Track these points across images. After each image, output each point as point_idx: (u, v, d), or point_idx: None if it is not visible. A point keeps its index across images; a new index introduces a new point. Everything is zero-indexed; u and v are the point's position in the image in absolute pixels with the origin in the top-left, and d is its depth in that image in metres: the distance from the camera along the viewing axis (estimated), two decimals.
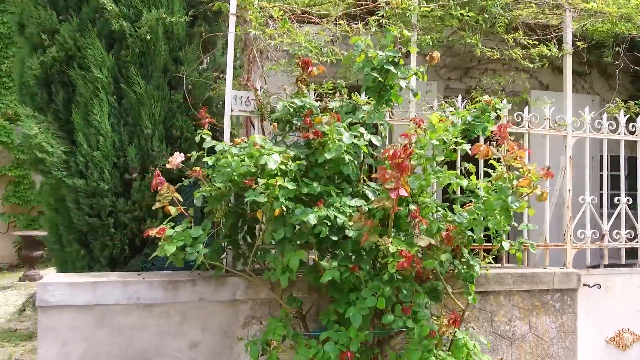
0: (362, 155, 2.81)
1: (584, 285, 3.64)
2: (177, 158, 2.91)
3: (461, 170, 2.94)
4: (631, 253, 4.07)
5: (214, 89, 3.68)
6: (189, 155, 2.91)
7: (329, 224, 2.42)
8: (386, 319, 2.45)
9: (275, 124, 2.99)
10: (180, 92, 3.52)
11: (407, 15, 3.28)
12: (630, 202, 3.87)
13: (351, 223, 2.51)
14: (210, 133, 2.81)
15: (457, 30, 3.50)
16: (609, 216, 3.82)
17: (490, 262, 3.10)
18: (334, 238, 2.52)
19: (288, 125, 2.88)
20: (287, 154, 2.52)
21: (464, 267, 2.75)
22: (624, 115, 3.86)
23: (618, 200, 3.85)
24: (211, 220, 2.80)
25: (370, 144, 2.71)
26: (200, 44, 3.71)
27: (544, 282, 3.50)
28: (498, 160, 2.55)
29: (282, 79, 3.41)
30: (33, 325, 6.13)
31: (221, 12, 3.76)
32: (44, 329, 2.75)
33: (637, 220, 3.91)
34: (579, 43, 3.77)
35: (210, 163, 2.70)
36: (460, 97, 3.42)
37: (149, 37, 3.30)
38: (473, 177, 2.69)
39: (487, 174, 2.76)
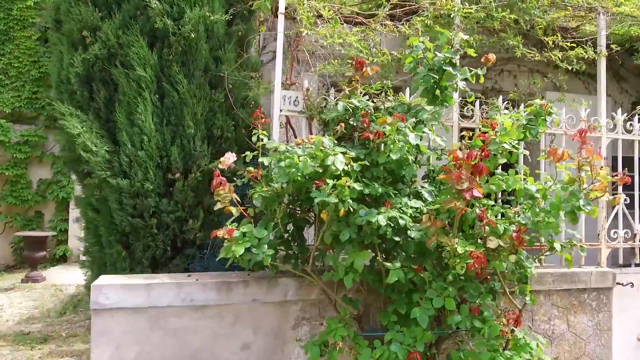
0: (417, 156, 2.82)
1: (617, 283, 3.70)
2: (230, 158, 2.88)
3: (516, 172, 2.96)
4: None
5: (251, 89, 3.66)
6: (243, 155, 2.89)
7: (392, 224, 2.42)
8: (453, 319, 2.46)
9: (321, 123, 2.98)
10: (221, 92, 3.49)
11: (452, 16, 3.28)
12: None
13: (411, 224, 2.51)
14: (266, 133, 2.79)
15: (499, 32, 3.52)
16: None
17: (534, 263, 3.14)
18: (397, 239, 2.53)
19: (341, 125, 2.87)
20: (349, 155, 2.51)
21: (518, 267, 2.77)
22: None
23: None
24: (266, 221, 2.78)
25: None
26: (237, 43, 3.69)
27: (582, 281, 3.55)
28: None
29: (313, 79, 3.41)
30: (45, 328, 6.02)
31: (254, 11, 3.74)
32: (98, 332, 2.70)
33: None
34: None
35: (266, 163, 2.69)
36: (501, 98, 3.44)
37: (193, 35, 3.26)
38: (530, 179, 2.71)
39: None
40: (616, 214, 3.84)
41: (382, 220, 2.33)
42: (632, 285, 3.75)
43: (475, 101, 3.34)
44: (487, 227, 2.44)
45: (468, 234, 2.56)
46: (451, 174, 2.35)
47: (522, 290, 2.80)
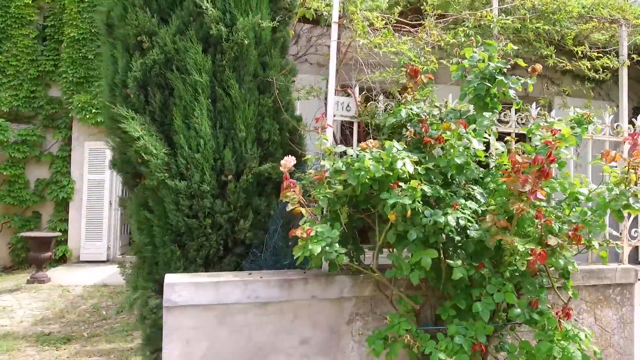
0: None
1: (638, 279, 3.95)
2: (291, 161, 3.01)
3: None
4: None
5: (290, 93, 3.79)
6: (305, 158, 3.03)
7: (454, 224, 2.58)
8: (513, 312, 2.64)
9: (374, 128, 3.14)
10: (269, 96, 3.61)
11: (491, 27, 3.47)
12: None
13: (469, 223, 2.68)
14: (328, 138, 2.93)
15: (533, 42, 3.73)
16: None
17: None
18: (457, 238, 2.70)
19: (397, 130, 3.03)
20: (412, 158, 2.67)
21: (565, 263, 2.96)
22: None
23: None
24: (326, 220, 2.91)
25: None
26: (280, 49, 3.81)
27: (607, 277, 3.78)
28: None
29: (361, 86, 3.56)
30: (63, 328, 6.04)
31: (290, 18, 3.88)
32: (170, 328, 2.80)
33: None
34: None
35: (327, 166, 2.83)
36: (534, 104, 3.64)
37: (246, 42, 3.37)
38: (577, 180, 2.91)
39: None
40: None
41: (451, 220, 2.50)
42: None
43: (530, 106, 3.55)
44: (543, 226, 2.62)
45: (523, 233, 2.74)
46: (516, 176, 2.53)
47: (564, 285, 2.99)
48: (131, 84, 3.28)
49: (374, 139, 3.22)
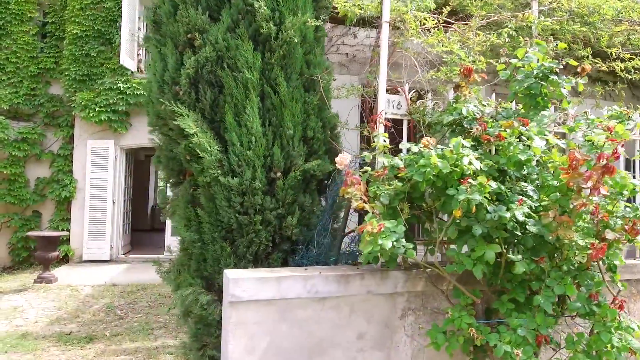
0: None
1: None
2: (347, 158, 3.07)
3: None
4: None
5: (328, 91, 3.83)
6: (361, 155, 3.07)
7: (522, 219, 2.66)
8: (573, 305, 2.72)
9: (425, 126, 3.20)
10: (313, 94, 3.65)
11: (531, 28, 3.56)
12: None
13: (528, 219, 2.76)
14: (387, 135, 2.98)
15: (571, 43, 3.83)
16: None
17: None
18: (518, 233, 2.77)
19: (450, 128, 3.09)
20: (475, 156, 2.74)
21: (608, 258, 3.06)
22: None
23: None
24: (385, 217, 2.96)
25: None
26: (321, 48, 3.86)
27: None
28: None
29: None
30: (82, 328, 5.99)
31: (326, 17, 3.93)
32: (234, 324, 2.82)
33: None
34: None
35: (386, 163, 2.88)
36: (570, 104, 3.74)
37: (296, 40, 3.40)
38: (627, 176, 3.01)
39: None
40: None
41: (519, 215, 2.56)
42: None
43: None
44: (599, 221, 2.71)
45: (580, 228, 2.82)
46: (576, 173, 2.61)
47: (612, 278, 3.09)
48: (183, 81, 3.29)
49: (421, 137, 3.29)
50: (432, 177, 2.68)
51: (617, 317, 2.73)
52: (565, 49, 3.06)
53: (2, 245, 10.46)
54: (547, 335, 2.67)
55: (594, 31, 3.76)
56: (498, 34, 3.42)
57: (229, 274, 2.91)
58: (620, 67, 3.87)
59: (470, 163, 2.61)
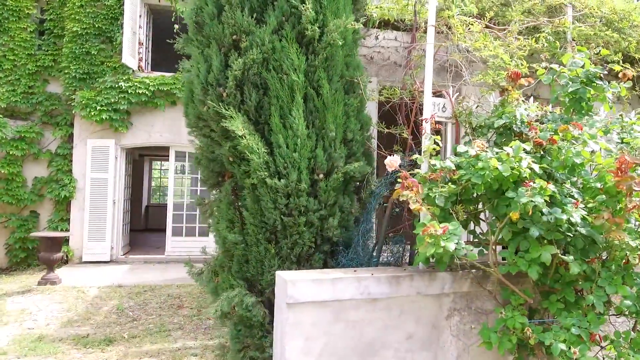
0: None
1: None
2: (397, 161, 3.10)
3: None
4: None
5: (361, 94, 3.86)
6: (413, 157, 3.11)
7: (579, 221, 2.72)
8: (624, 304, 2.79)
9: (471, 128, 3.25)
10: (353, 96, 3.67)
11: (566, 33, 3.64)
12: None
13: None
14: (439, 138, 3.02)
15: (603, 48, 3.92)
16: None
17: None
18: (569, 234, 2.84)
19: (498, 131, 3.14)
20: (531, 159, 2.79)
21: None
22: None
23: None
24: (442, 219, 2.99)
25: None
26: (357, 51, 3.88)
27: None
28: None
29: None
30: (97, 330, 5.92)
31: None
32: (292, 325, 2.83)
33: None
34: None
35: (438, 165, 2.92)
36: (602, 109, 3.83)
37: (340, 43, 3.42)
38: None
39: None
40: None
41: (576, 217, 2.63)
42: None
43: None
44: None
45: (628, 229, 2.90)
46: (627, 176, 2.68)
47: None
48: (230, 83, 3.28)
49: (469, 140, 3.34)
50: (489, 180, 2.73)
51: None
52: (606, 55, 3.14)
53: None
54: (599, 334, 2.74)
55: (624, 37, 3.87)
56: (536, 39, 3.49)
57: (284, 275, 2.91)
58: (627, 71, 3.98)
59: (529, 166, 2.67)
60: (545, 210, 2.73)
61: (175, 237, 10.94)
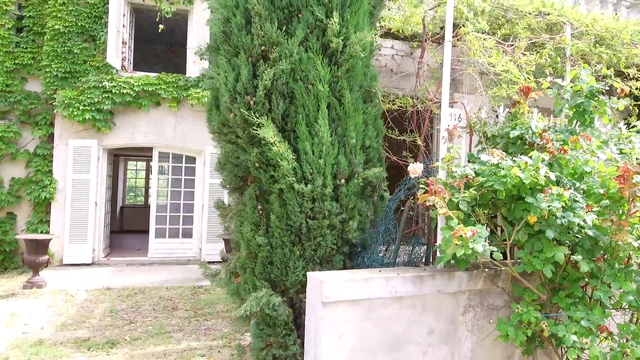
0: None
1: None
2: (419, 168, 3.32)
3: None
4: None
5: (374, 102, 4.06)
6: (433, 165, 3.32)
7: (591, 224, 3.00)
8: (626, 298, 3.09)
9: (485, 138, 3.50)
10: (371, 105, 3.87)
11: (565, 49, 3.95)
12: None
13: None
14: (460, 147, 3.25)
15: (597, 64, 4.26)
16: None
17: None
18: (579, 236, 3.12)
19: (511, 141, 3.40)
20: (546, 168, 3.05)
21: None
22: None
23: None
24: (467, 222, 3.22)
25: None
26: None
27: None
28: None
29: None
30: (96, 333, 5.91)
31: None
32: (327, 323, 3.00)
33: None
34: None
35: (460, 172, 3.15)
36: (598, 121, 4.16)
37: (362, 54, 3.61)
38: None
39: None
40: None
41: (589, 220, 2.90)
42: None
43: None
44: None
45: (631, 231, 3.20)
46: (630, 182, 2.98)
47: None
48: (260, 92, 3.42)
49: (483, 149, 3.59)
50: (510, 187, 2.98)
51: None
52: (606, 73, 3.45)
53: None
54: (606, 326, 3.03)
55: (615, 53, 4.22)
56: (540, 55, 3.78)
57: (319, 276, 3.08)
58: (636, 86, 4.35)
59: (546, 174, 2.93)
60: (558, 214, 3.00)
61: (158, 239, 10.87)
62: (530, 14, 3.87)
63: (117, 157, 16.62)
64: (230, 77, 3.55)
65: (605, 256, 3.24)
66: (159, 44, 14.82)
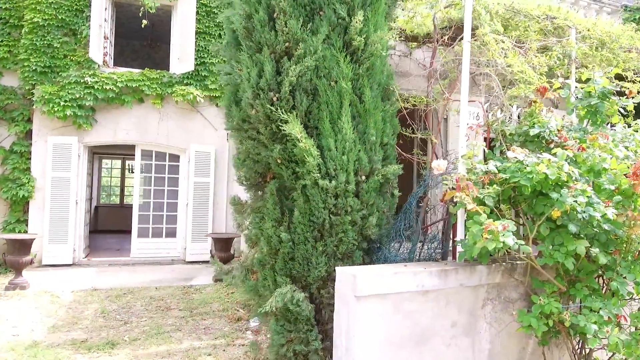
0: None
1: None
2: (443, 165, 3.40)
3: None
4: None
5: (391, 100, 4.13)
6: (453, 162, 3.40)
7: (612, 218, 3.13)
8: (639, 290, 3.26)
9: (503, 135, 3.62)
10: (388, 103, 3.93)
11: (570, 51, 4.11)
12: None
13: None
14: (485, 144, 3.34)
15: (597, 66, 4.45)
16: None
17: None
18: (596, 230, 3.26)
19: (529, 139, 3.52)
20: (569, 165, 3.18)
21: None
22: None
23: None
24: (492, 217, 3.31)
25: None
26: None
27: None
28: None
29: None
30: (92, 334, 5.77)
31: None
32: (360, 317, 3.03)
33: None
34: None
35: (484, 169, 3.25)
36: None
37: (383, 53, 3.66)
38: None
39: None
40: None
41: (610, 214, 3.04)
42: None
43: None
44: None
45: None
46: None
47: None
48: (285, 88, 3.42)
49: (499, 146, 3.70)
50: (535, 183, 3.09)
51: None
52: (617, 75, 3.61)
53: None
54: (624, 315, 3.18)
55: (614, 56, 4.42)
56: (549, 57, 3.93)
57: (351, 271, 3.11)
58: (633, 87, 4.56)
59: (570, 171, 3.05)
60: (579, 208, 3.13)
61: (141, 239, 10.65)
62: (539, 17, 4.02)
63: (93, 155, 16.20)
64: (253, 72, 3.53)
65: (619, 249, 3.40)
66: (137, 39, 14.50)
